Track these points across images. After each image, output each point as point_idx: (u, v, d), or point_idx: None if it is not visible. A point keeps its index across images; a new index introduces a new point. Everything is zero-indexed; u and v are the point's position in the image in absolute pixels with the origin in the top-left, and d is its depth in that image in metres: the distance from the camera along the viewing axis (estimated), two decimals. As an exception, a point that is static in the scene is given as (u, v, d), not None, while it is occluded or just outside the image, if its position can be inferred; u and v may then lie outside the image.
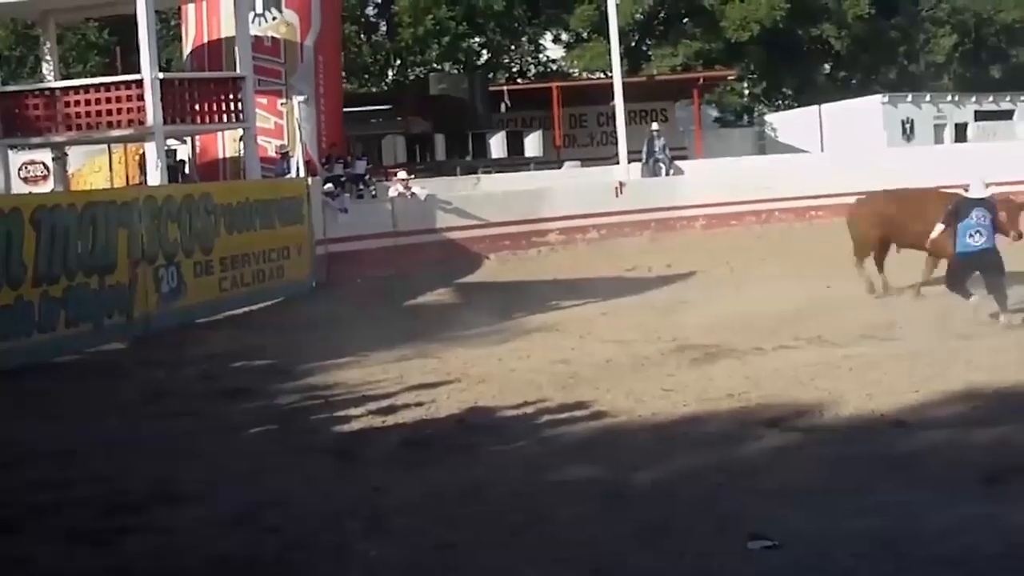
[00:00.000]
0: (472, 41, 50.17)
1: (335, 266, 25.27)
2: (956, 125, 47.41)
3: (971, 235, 16.14)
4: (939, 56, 60.80)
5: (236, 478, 9.96)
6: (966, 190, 16.93)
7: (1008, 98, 51.22)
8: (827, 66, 58.46)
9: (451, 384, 13.45)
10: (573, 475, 9.55)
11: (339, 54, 32.42)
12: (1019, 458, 9.31)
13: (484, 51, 51.76)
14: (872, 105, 45.47)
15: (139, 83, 24.19)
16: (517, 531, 8.16)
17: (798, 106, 51.85)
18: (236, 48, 26.17)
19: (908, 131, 45.10)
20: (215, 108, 25.56)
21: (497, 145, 35.66)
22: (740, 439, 10.43)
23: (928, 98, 47.55)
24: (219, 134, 28.04)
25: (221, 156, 28.63)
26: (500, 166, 34.87)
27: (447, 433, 11.27)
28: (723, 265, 24.12)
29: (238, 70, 25.94)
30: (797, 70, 54.84)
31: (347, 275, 24.57)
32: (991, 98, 50.63)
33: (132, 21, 24.66)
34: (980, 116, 48.87)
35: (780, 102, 57.38)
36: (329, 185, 27.45)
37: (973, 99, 49.54)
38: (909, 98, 46.76)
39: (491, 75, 48.12)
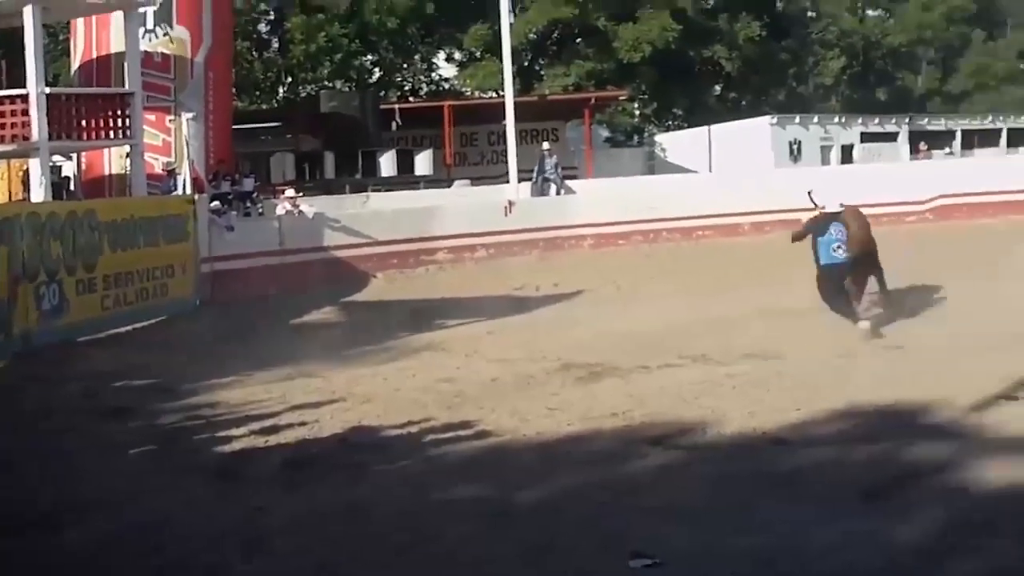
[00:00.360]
0: (364, 59, 50.20)
1: (221, 284, 24.99)
2: (843, 146, 48.09)
3: (834, 249, 17.45)
4: (827, 78, 61.79)
5: (117, 498, 9.79)
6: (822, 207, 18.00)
7: (893, 120, 52.05)
8: (718, 87, 59.05)
9: (335, 403, 13.35)
10: (458, 494, 9.50)
11: (230, 71, 32.16)
12: (899, 474, 9.42)
13: (376, 69, 51.75)
14: (760, 126, 45.98)
15: (24, 98, 23.88)
16: (401, 551, 8.10)
17: (688, 126, 52.34)
18: (125, 64, 25.93)
19: (796, 152, 45.65)
20: (102, 124, 25.28)
21: (387, 163, 35.55)
22: (624, 457, 10.44)
23: (816, 120, 48.18)
24: (106, 150, 27.70)
25: (107, 173, 28.27)
26: (390, 184, 34.78)
27: (330, 452, 11.17)
28: (611, 284, 24.19)
29: (127, 86, 25.68)
30: (688, 91, 55.35)
31: (233, 293, 24.31)
32: (877, 120, 51.40)
33: (19, 34, 24.29)
34: (866, 138, 49.60)
35: (671, 122, 57.85)
36: (216, 202, 27.16)
37: (859, 121, 50.28)
38: (797, 119, 47.34)
39: (383, 93, 48.09)
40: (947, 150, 51.48)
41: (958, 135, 54.28)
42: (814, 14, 63.41)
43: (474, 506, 9.13)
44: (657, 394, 13.03)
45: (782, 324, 17.87)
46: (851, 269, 17.77)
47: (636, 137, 56.63)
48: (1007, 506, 8.57)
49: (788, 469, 9.81)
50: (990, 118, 57.87)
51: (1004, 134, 56.78)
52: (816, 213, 18.03)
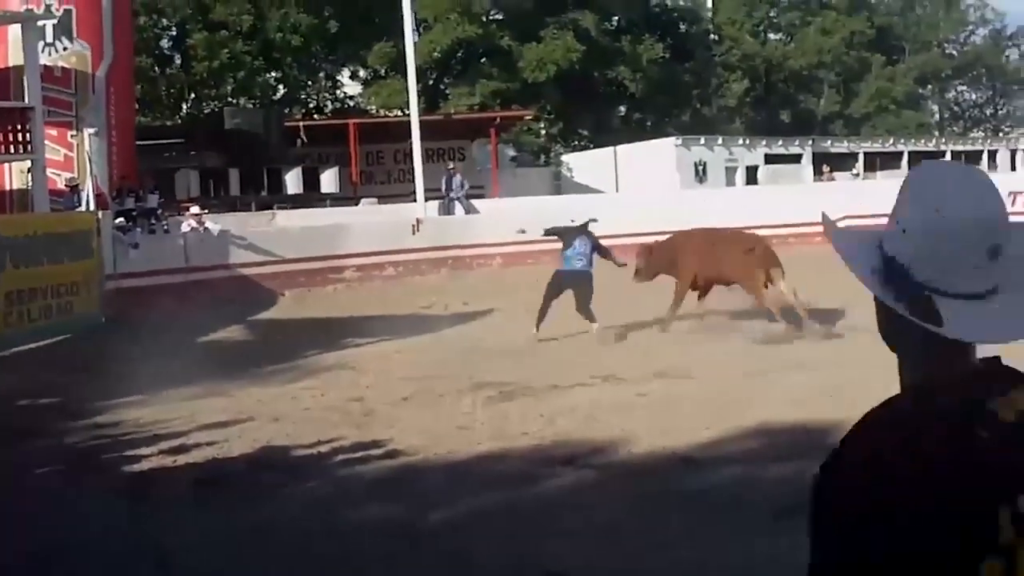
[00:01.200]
0: (268, 76, 49.90)
1: (126, 302, 24.69)
2: (747, 168, 48.52)
3: (578, 259, 19.97)
4: (731, 100, 62.42)
5: (22, 521, 9.64)
6: (573, 221, 20.52)
7: (797, 142, 52.68)
8: (622, 108, 59.46)
9: (244, 423, 13.24)
10: (368, 515, 9.47)
11: (132, 86, 31.88)
12: (807, 493, 9.43)
13: (280, 86, 51.50)
14: (666, 147, 46.25)
15: (-80, 111, 23.53)
16: (311, 573, 8.04)
17: (594, 147, 52.56)
18: (25, 77, 25.54)
19: (701, 173, 45.98)
20: (1, 139, 24.91)
21: (293, 181, 35.41)
22: (536, 477, 10.44)
23: (720, 141, 48.59)
24: (6, 165, 27.29)
25: (8, 188, 27.84)
26: (296, 202, 34.62)
27: (239, 472, 11.08)
28: (520, 303, 24.18)
29: (26, 100, 25.32)
30: (593, 111, 55.69)
31: (138, 311, 24.03)
32: (780, 142, 51.97)
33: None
34: (770, 159, 50.11)
35: (576, 142, 58.09)
36: (120, 219, 26.89)
37: (763, 143, 50.80)
38: (702, 141, 47.71)
39: (287, 110, 47.83)
40: (853, 171, 52.21)
41: (860, 158, 55.05)
42: (716, 37, 64.08)
43: (384, 526, 9.10)
44: (568, 414, 13.05)
45: (693, 343, 18.02)
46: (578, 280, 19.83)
47: (542, 157, 56.85)
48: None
49: (699, 488, 9.85)
50: (891, 141, 58.77)
51: (905, 157, 57.65)
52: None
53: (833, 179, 47.79)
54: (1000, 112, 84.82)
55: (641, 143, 47.86)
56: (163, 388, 15.38)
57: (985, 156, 63.29)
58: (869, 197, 37.75)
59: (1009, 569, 1.95)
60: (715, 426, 11.90)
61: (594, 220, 20.88)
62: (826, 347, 17.11)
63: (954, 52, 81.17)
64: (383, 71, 51.73)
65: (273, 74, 50.67)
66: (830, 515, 2.22)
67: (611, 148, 47.89)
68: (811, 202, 37.16)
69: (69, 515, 9.71)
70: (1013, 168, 62.11)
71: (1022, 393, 2.08)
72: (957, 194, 2.25)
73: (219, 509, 9.80)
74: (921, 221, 2.20)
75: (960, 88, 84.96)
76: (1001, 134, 76.42)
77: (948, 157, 59.54)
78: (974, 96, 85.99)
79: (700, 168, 46.07)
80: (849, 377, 14.08)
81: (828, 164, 48.49)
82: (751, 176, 48.08)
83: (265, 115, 39.20)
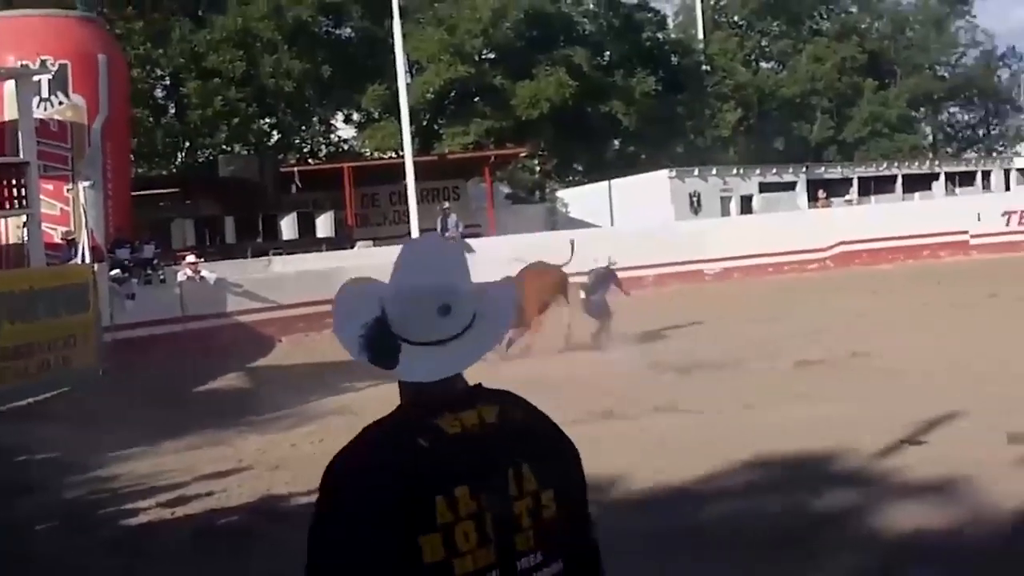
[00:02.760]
0: (262, 122, 49.99)
1: (123, 353, 24.64)
2: (742, 197, 48.54)
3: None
4: (724, 130, 62.46)
5: (20, 579, 9.62)
6: (596, 261, 23.02)
7: (791, 170, 52.71)
8: (616, 142, 59.51)
9: (243, 472, 13.19)
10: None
11: (128, 138, 31.98)
12: (808, 523, 9.47)
13: (274, 132, 51.61)
14: (659, 179, 46.30)
15: (-84, 168, 23.58)
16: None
17: (588, 182, 52.60)
18: (20, 133, 25.60)
19: (696, 204, 46.01)
20: (-2, 194, 24.99)
21: (288, 226, 35.47)
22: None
23: (714, 171, 48.61)
24: (2, 220, 27.32)
25: (4, 243, 27.87)
26: (291, 248, 34.64)
27: (239, 523, 11.02)
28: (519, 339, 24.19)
29: (21, 155, 25.37)
30: (587, 146, 55.76)
31: (136, 362, 24.01)
32: (775, 170, 52.02)
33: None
34: (764, 188, 50.15)
35: (571, 178, 58.20)
36: (116, 271, 26.90)
37: (757, 171, 50.84)
38: (696, 172, 47.74)
39: (281, 156, 48.01)
40: (847, 197, 52.26)
41: (855, 182, 55.09)
42: (708, 68, 64.17)
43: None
44: (566, 451, 12.99)
45: (687, 377, 18.00)
46: None
47: (538, 193, 56.95)
48: (915, 553, 8.64)
49: (698, 522, 9.82)
50: (885, 165, 58.86)
51: (899, 180, 57.72)
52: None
53: (829, 205, 47.81)
54: (993, 132, 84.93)
55: (635, 176, 47.90)
56: (161, 439, 15.36)
57: (979, 176, 63.35)
58: (864, 222, 37.99)
59: (447, 540, 2.76)
60: (712, 459, 11.86)
61: (614, 263, 22.99)
62: (817, 378, 17.08)
63: (946, 74, 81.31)
64: (376, 114, 51.86)
65: (267, 120, 50.80)
66: (323, 525, 2.89)
67: (605, 182, 47.96)
68: (807, 229, 37.32)
69: (68, 572, 9.67)
70: (1007, 188, 62.13)
71: (473, 411, 2.91)
72: (422, 266, 2.99)
73: (218, 561, 9.75)
74: (396, 287, 2.96)
75: (952, 110, 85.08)
76: (995, 154, 76.48)
77: (942, 179, 59.76)
78: (967, 117, 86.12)
79: (695, 199, 46.12)
80: (840, 408, 14.12)
81: (823, 190, 48.44)
82: (746, 205, 48.13)
83: (259, 162, 39.28)
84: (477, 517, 2.81)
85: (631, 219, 43.85)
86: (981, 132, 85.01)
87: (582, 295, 22.63)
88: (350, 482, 2.86)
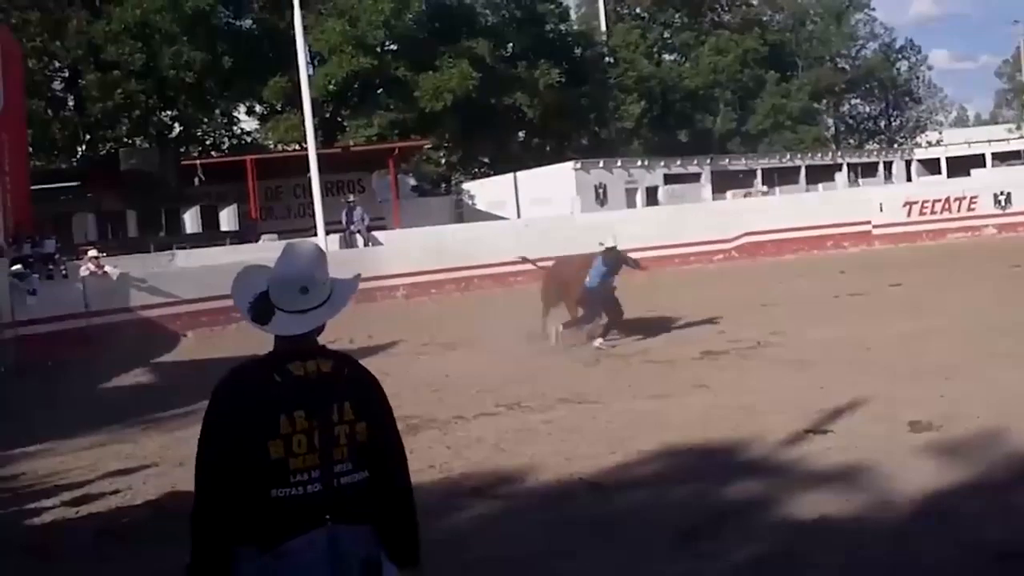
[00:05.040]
0: (163, 115, 49.53)
1: (26, 349, 24.31)
2: (647, 189, 48.84)
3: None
4: (628, 122, 62.75)
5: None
6: (601, 245, 21.01)
7: (695, 161, 53.13)
8: (521, 134, 59.62)
9: (148, 469, 13.01)
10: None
11: (25, 131, 31.49)
12: (715, 513, 9.52)
13: (176, 125, 51.13)
14: (565, 171, 46.48)
15: None
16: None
17: (494, 173, 52.67)
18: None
19: (601, 196, 46.22)
20: None
21: (191, 220, 35.17)
22: (444, 510, 10.35)
23: (619, 163, 48.88)
24: None
25: (-101, 239, 27.39)
26: (195, 242, 34.31)
27: (144, 521, 10.86)
28: (425, 334, 24.15)
29: (-85, 151, 24.96)
30: (492, 138, 55.81)
31: (39, 359, 23.66)
32: (679, 162, 52.39)
33: None
34: (669, 179, 50.52)
35: (476, 170, 58.22)
36: (17, 266, 26.46)
37: (662, 163, 51.17)
38: (601, 164, 47.97)
39: (184, 149, 47.54)
40: (764, 188, 52.90)
41: (759, 174, 55.63)
42: (612, 60, 64.43)
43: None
44: (475, 444, 13.00)
45: (597, 368, 18.05)
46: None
47: (443, 185, 56.91)
48: (820, 540, 8.72)
49: (606, 513, 9.84)
50: (788, 156, 59.48)
51: (803, 171, 58.36)
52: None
53: (751, 195, 48.57)
54: (894, 124, 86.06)
55: (541, 168, 48.09)
56: (65, 437, 15.14)
57: (881, 167, 64.23)
58: (769, 213, 38.31)
59: (287, 445, 4.27)
60: (620, 450, 11.90)
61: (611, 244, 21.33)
62: (723, 368, 17.20)
63: (846, 66, 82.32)
64: (279, 106, 51.50)
65: (168, 113, 50.35)
66: (206, 425, 4.38)
67: (511, 174, 48.02)
68: (713, 220, 37.58)
69: (-32, 573, 9.51)
70: (908, 178, 63.02)
71: (314, 362, 4.39)
72: (292, 261, 4.53)
73: (124, 561, 9.63)
74: (274, 273, 4.49)
75: (854, 101, 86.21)
76: (896, 145, 77.52)
77: (844, 170, 60.50)
78: (868, 109, 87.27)
79: (600, 191, 46.32)
80: (746, 398, 14.24)
81: (751, 183, 49.19)
82: (651, 197, 48.42)
83: (161, 155, 38.89)
84: (308, 433, 4.29)
85: (537, 211, 43.94)
86: (882, 124, 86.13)
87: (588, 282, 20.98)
88: (224, 396, 4.38)
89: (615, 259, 20.93)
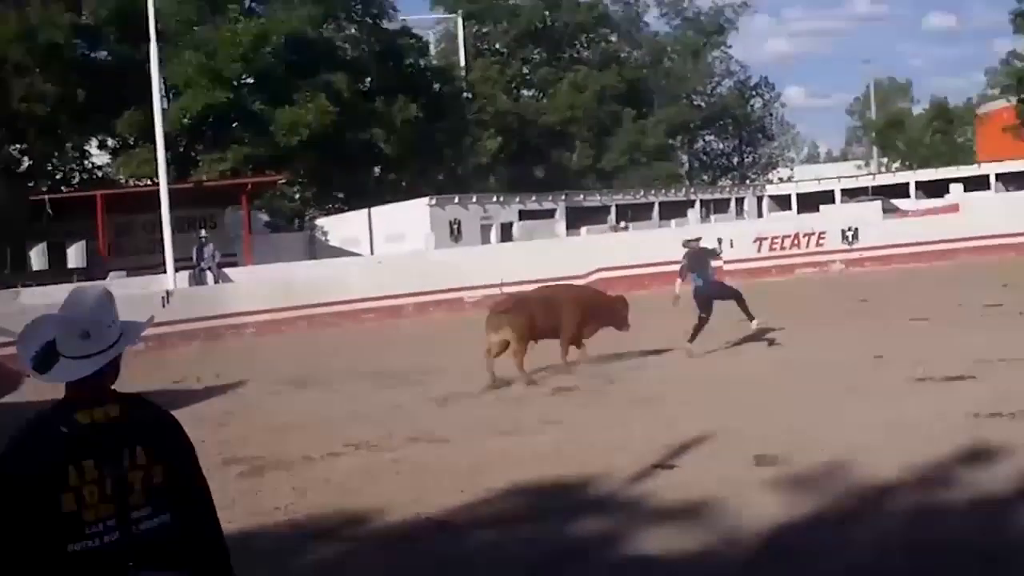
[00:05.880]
0: (12, 148, 48.52)
1: None
2: (502, 225, 48.98)
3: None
4: (485, 158, 62.93)
5: None
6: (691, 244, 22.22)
7: (550, 198, 53.47)
8: (377, 169, 59.49)
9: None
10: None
11: None
12: (560, 551, 9.45)
13: (25, 158, 50.12)
14: (419, 207, 46.50)
15: None
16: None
17: (349, 209, 52.45)
18: None
19: (456, 232, 46.24)
20: None
21: (38, 257, 34.46)
22: (290, 553, 10.16)
23: (474, 199, 49.03)
24: None
25: None
26: (41, 279, 33.59)
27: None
28: (274, 373, 23.80)
29: None
30: (347, 174, 55.64)
31: None
32: (534, 198, 52.70)
33: None
34: (524, 215, 50.76)
35: (331, 205, 57.94)
36: None
37: (517, 199, 51.43)
38: (456, 199, 48.06)
39: (32, 184, 46.59)
40: (623, 224, 53.50)
41: (613, 210, 56.10)
42: (470, 95, 64.58)
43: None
44: (321, 485, 12.77)
45: (444, 406, 17.89)
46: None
47: (297, 221, 56.55)
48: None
49: (454, 553, 9.74)
50: (642, 192, 60.12)
51: (656, 207, 58.98)
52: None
53: (627, 229, 49.24)
54: (747, 160, 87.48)
55: (395, 204, 48.02)
56: None
57: (733, 203, 65.18)
58: (623, 249, 38.55)
59: (78, 497, 4.11)
60: (469, 489, 11.77)
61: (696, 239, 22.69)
62: (574, 405, 17.16)
63: (702, 103, 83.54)
64: (132, 140, 50.78)
65: (17, 146, 49.34)
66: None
67: (365, 210, 47.87)
68: (567, 255, 37.70)
69: None
70: (760, 214, 64.00)
71: (101, 408, 4.25)
72: (76, 305, 4.41)
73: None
74: (57, 319, 4.39)
75: (708, 138, 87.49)
76: (748, 181, 78.77)
77: (697, 206, 61.29)
78: (722, 145, 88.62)
79: (455, 227, 46.35)
80: (595, 435, 14.21)
81: (620, 219, 49.73)
82: (506, 233, 48.55)
83: (8, 190, 38.06)
84: (99, 482, 4.16)
85: (391, 247, 43.84)
86: (735, 160, 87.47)
87: (689, 284, 21.78)
88: (9, 457, 4.23)
89: (697, 255, 21.94)
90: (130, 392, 4.48)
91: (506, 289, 25.17)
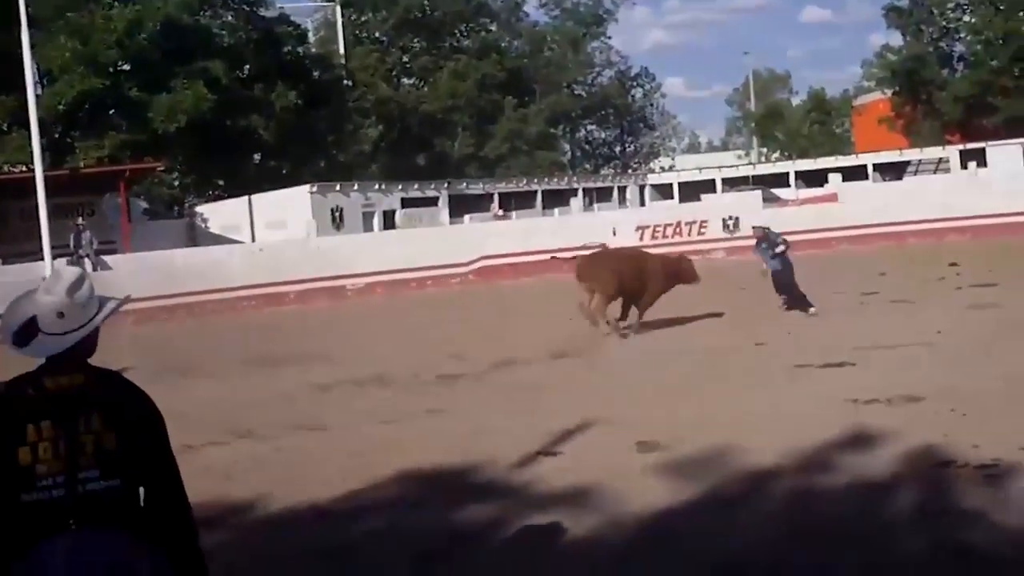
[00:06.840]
0: None
1: None
2: (384, 212, 48.84)
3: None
4: (366, 145, 62.68)
5: None
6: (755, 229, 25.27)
7: (433, 185, 53.40)
8: (257, 156, 58.98)
9: None
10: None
11: None
12: (446, 538, 9.40)
13: None
14: (300, 195, 46.19)
15: None
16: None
17: (228, 196, 51.92)
18: None
19: (338, 219, 45.99)
20: None
21: (-93, 247, 33.65)
22: (168, 543, 9.97)
23: (356, 187, 48.79)
24: None
25: None
26: (-91, 271, 32.84)
27: None
28: (155, 361, 23.48)
29: None
30: (227, 161, 55.07)
31: None
32: (417, 186, 52.61)
33: None
34: (407, 203, 50.64)
35: (211, 192, 57.38)
36: None
37: (400, 187, 51.32)
38: (338, 187, 47.80)
39: (-101, 172, 45.57)
40: (505, 212, 53.68)
41: (495, 198, 56.14)
42: (350, 83, 64.26)
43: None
44: (203, 474, 12.54)
45: (328, 393, 17.78)
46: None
47: (176, 208, 55.92)
48: (550, 562, 8.74)
49: (338, 542, 9.62)
50: (525, 181, 60.20)
51: (539, 196, 59.10)
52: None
53: (510, 217, 49.31)
54: (628, 149, 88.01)
55: (276, 191, 47.63)
56: None
57: (615, 192, 65.50)
58: (506, 237, 38.61)
59: (33, 451, 4.47)
60: (353, 477, 11.67)
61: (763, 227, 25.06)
62: (458, 392, 17.13)
63: (583, 93, 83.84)
64: (6, 126, 49.83)
65: None
66: None
67: (246, 197, 47.44)
68: (451, 244, 37.69)
69: None
70: (642, 203, 64.42)
71: (68, 376, 4.57)
72: (52, 286, 4.72)
73: None
74: (37, 299, 4.68)
75: (590, 127, 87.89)
76: (630, 171, 79.24)
77: (580, 194, 61.53)
78: (603, 135, 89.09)
79: (337, 214, 46.12)
80: (480, 422, 14.19)
81: (501, 206, 49.75)
82: (389, 220, 48.43)
83: None
84: (54, 440, 4.52)
85: (272, 235, 43.51)
86: (617, 149, 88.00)
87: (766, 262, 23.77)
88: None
89: (765, 238, 23.97)
90: (104, 367, 4.78)
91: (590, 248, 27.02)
